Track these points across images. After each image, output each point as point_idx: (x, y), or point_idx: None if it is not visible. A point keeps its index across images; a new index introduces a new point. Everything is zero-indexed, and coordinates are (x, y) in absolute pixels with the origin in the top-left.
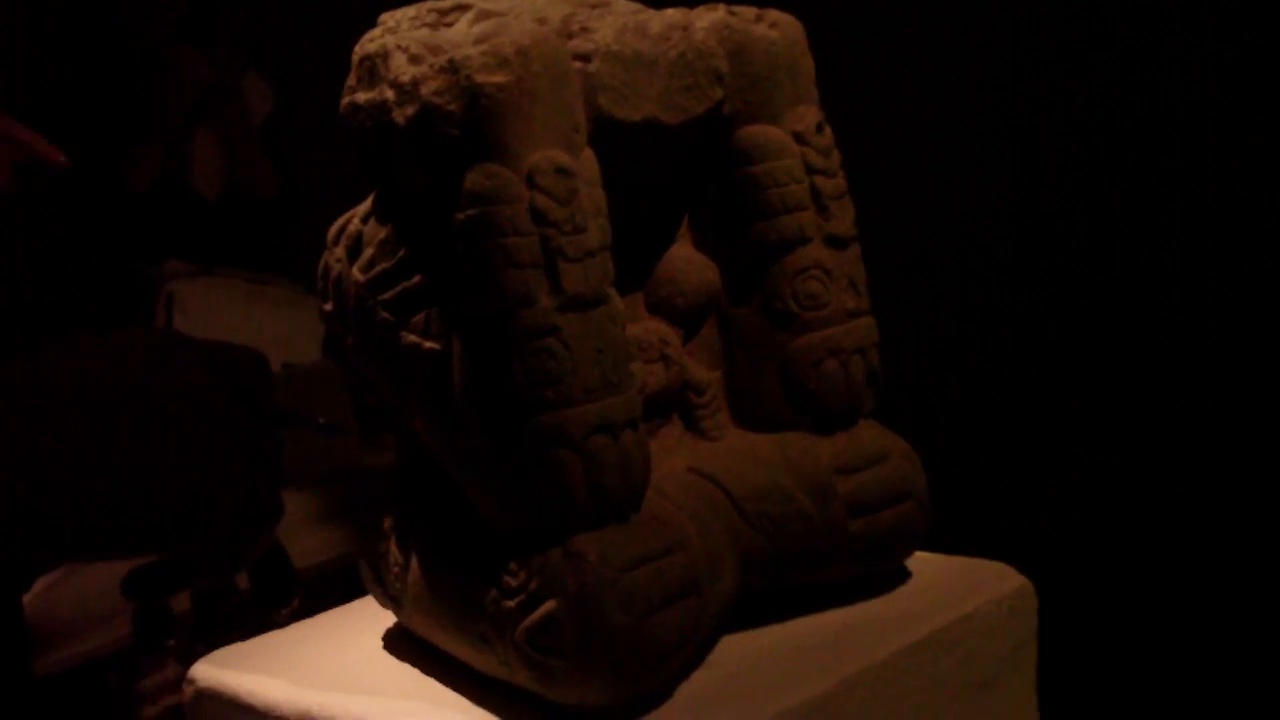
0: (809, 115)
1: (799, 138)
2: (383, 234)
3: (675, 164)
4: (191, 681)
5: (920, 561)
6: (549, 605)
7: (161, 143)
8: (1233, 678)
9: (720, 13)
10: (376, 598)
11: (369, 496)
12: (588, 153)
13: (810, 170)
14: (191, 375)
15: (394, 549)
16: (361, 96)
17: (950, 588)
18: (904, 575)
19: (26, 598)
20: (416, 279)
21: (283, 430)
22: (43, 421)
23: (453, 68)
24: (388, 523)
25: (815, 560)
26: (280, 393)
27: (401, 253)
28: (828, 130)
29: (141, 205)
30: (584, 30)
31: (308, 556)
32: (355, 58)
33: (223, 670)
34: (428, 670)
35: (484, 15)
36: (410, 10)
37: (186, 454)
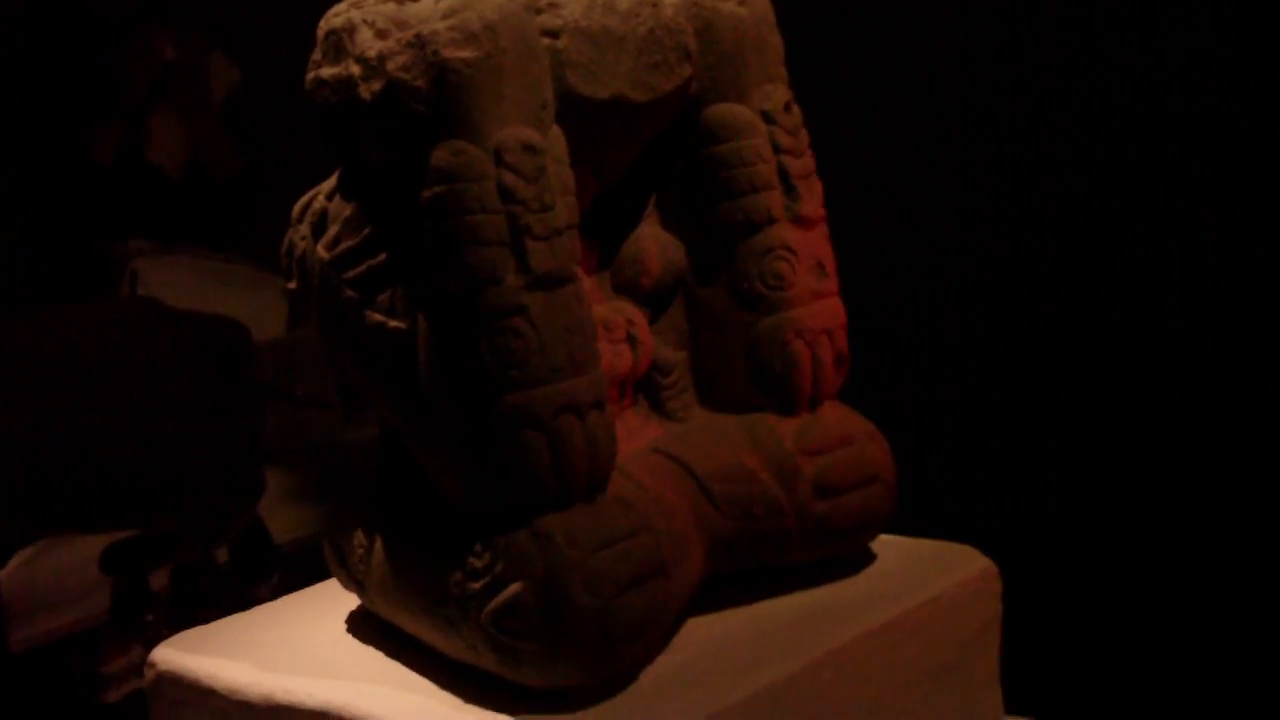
0: (777, 94)
1: (767, 116)
2: (348, 211)
3: (643, 142)
4: (153, 665)
5: (885, 544)
6: (515, 587)
7: (123, 119)
8: (1197, 658)
9: None
10: (340, 580)
11: (351, 471)
12: (555, 130)
13: (777, 149)
14: (173, 347)
15: (359, 531)
16: (326, 72)
17: (915, 570)
18: (869, 558)
19: (3, 573)
20: (382, 257)
21: (264, 403)
22: (22, 393)
23: (420, 42)
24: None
25: (781, 542)
26: (261, 365)
27: (367, 230)
28: (796, 109)
29: (104, 181)
30: (552, 6)
31: (288, 531)
32: (320, 32)
33: (184, 653)
34: (392, 653)
35: None
36: None
37: (168, 427)
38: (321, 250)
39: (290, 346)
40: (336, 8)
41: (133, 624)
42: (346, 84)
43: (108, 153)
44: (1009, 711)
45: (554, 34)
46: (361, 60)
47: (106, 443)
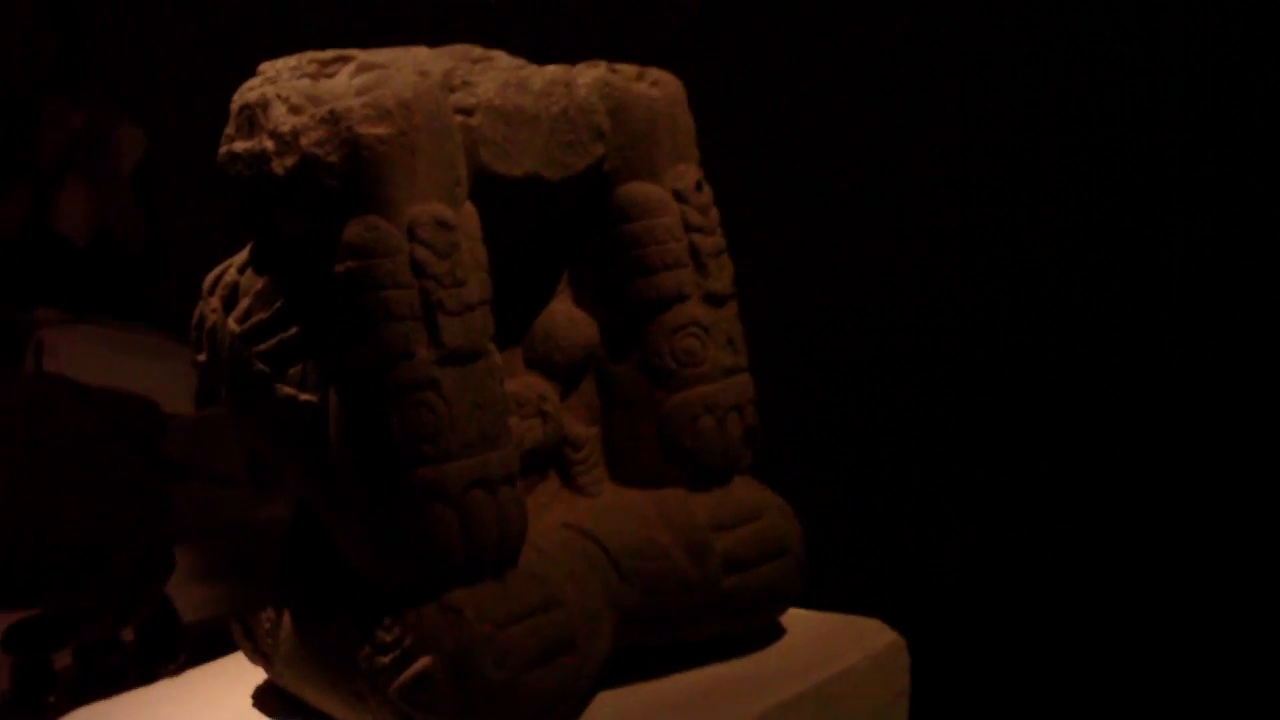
0: (688, 173)
1: (678, 195)
2: (260, 284)
3: (556, 220)
4: None
5: (794, 618)
6: (424, 662)
7: (30, 188)
8: None
9: (602, 69)
10: (246, 654)
11: (260, 551)
12: (469, 206)
13: (689, 228)
14: (80, 422)
15: (267, 604)
16: (240, 146)
17: (824, 644)
18: (779, 632)
19: None
20: (294, 330)
21: (173, 481)
22: None
23: (334, 118)
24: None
25: (691, 617)
26: (170, 443)
27: (279, 304)
28: (707, 188)
29: (10, 251)
30: (466, 84)
31: (196, 611)
32: (234, 107)
33: None
34: None
35: (366, 67)
36: (291, 60)
37: (73, 504)
38: (233, 323)
39: (200, 425)
40: (250, 82)
41: (34, 705)
42: (260, 158)
43: (14, 222)
44: None
45: (468, 112)
46: (275, 135)
47: (10, 521)
